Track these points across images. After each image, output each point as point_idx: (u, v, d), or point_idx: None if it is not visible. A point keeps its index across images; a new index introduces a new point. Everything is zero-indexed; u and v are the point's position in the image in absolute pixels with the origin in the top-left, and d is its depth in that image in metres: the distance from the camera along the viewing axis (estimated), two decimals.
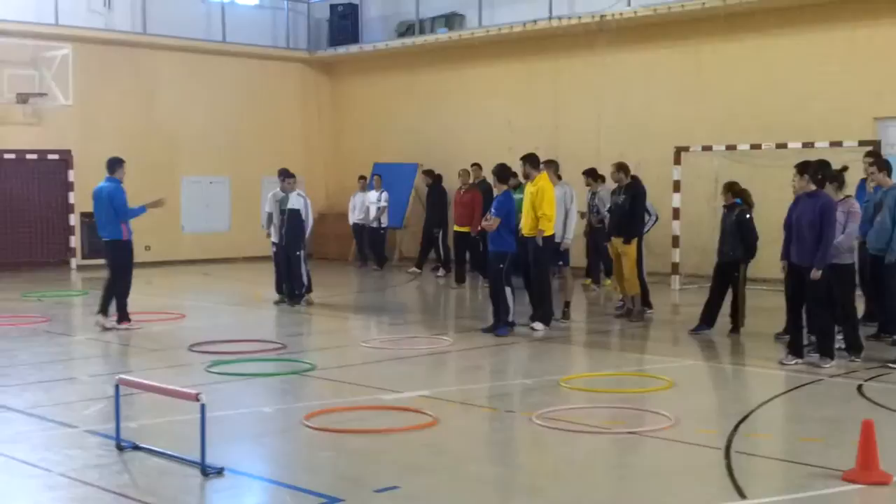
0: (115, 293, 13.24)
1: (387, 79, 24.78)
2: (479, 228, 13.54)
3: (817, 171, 10.45)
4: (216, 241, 23.89)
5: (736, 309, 12.79)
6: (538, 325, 12.97)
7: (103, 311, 13.22)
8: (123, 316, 13.27)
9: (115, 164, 13.36)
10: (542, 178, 12.98)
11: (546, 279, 13.15)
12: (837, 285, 10.58)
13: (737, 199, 12.77)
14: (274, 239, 15.83)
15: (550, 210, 12.84)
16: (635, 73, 20.16)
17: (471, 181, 19.16)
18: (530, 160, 13.08)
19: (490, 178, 17.69)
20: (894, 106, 17.06)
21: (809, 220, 10.25)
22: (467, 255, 18.85)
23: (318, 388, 9.81)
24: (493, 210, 12.75)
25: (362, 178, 22.37)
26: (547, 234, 12.85)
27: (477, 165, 19.83)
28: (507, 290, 12.69)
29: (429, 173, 21.18)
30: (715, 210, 13.35)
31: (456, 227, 18.84)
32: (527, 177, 13.07)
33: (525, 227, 12.97)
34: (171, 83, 23.33)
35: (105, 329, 13.04)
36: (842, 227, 10.57)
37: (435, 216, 20.64)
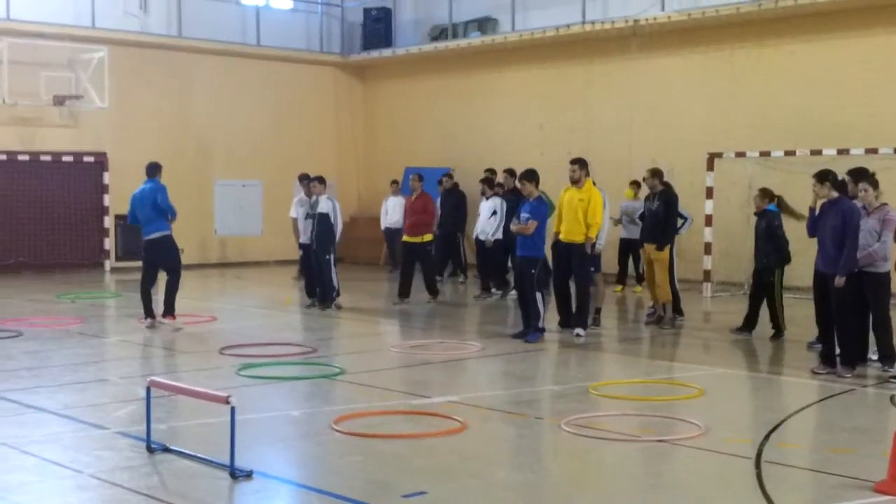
0: (173, 286, 13.67)
1: (419, 83, 24.83)
2: (514, 231, 13.41)
3: (837, 178, 10.43)
4: (248, 245, 24.03)
5: (775, 315, 12.86)
6: (580, 331, 12.93)
7: (171, 311, 13.61)
8: (170, 310, 13.67)
9: (156, 169, 13.73)
10: (591, 185, 12.91)
11: (588, 285, 13.10)
12: (872, 293, 10.48)
13: (769, 206, 12.82)
14: (302, 240, 15.93)
15: (602, 219, 12.87)
16: (668, 78, 20.07)
17: (421, 188, 17.15)
18: (584, 165, 12.99)
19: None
20: None
21: (832, 227, 10.22)
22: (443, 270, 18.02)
23: (347, 393, 9.83)
24: (526, 214, 12.68)
25: (394, 182, 22.32)
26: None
27: (510, 171, 19.47)
28: (538, 295, 12.65)
29: (449, 177, 20.29)
30: (748, 217, 13.27)
31: (406, 238, 16.83)
32: (577, 182, 12.97)
33: (570, 232, 12.82)
34: (205, 86, 23.50)
35: (176, 329, 13.40)
36: (877, 235, 10.46)
37: (454, 221, 19.85)
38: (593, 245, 12.87)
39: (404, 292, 16.50)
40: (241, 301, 17.99)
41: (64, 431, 8.07)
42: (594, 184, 13.89)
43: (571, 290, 13.19)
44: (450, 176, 20.52)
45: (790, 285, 15.82)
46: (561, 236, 12.92)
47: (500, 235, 16.89)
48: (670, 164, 17.60)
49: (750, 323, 13.09)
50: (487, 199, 17.29)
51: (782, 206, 12.99)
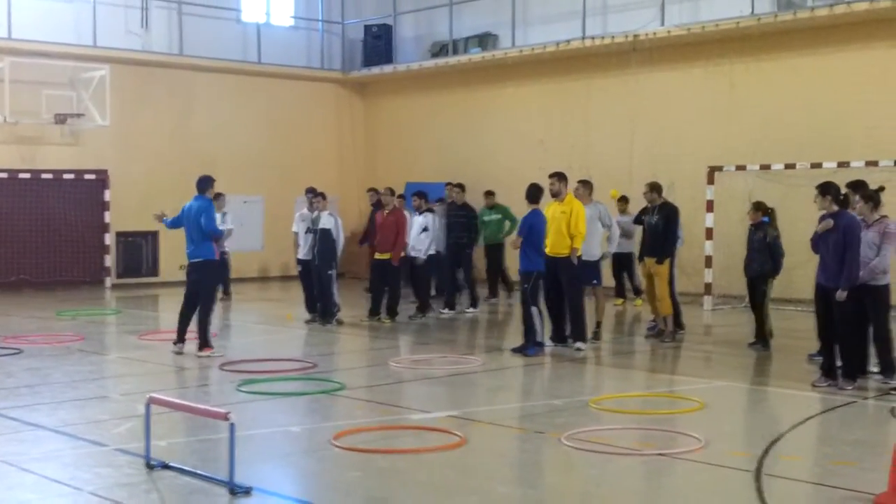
0: (203, 317, 12.64)
1: (420, 99, 24.88)
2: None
3: (839, 192, 10.43)
4: (250, 260, 24.02)
5: (762, 323, 12.98)
6: (581, 345, 12.90)
7: (207, 343, 12.64)
8: (206, 343, 12.65)
9: (207, 183, 12.98)
10: (572, 197, 12.95)
11: (580, 298, 13.08)
12: (871, 306, 10.48)
13: (764, 218, 12.93)
14: (300, 256, 15.94)
15: (585, 229, 12.83)
16: (668, 92, 20.11)
17: (395, 201, 16.65)
18: (563, 178, 13.02)
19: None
20: None
21: (834, 240, 10.21)
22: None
23: (347, 408, 9.81)
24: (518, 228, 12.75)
25: (399, 197, 22.21)
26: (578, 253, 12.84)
27: (460, 186, 18.41)
28: (534, 309, 12.61)
29: (374, 191, 18.81)
30: (748, 230, 13.29)
31: (377, 255, 16.18)
32: (557, 194, 12.99)
33: (556, 246, 12.80)
34: (206, 103, 23.56)
35: (210, 356, 12.46)
36: (876, 248, 10.47)
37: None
38: (579, 257, 12.84)
39: (375, 310, 16.17)
40: (241, 317, 17.98)
41: (63, 449, 8.06)
42: (592, 197, 13.94)
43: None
44: (375, 191, 19.30)
45: (792, 298, 15.87)
46: (547, 250, 12.82)
47: (441, 249, 17.22)
48: (671, 178, 17.61)
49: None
50: (420, 214, 16.94)
51: (772, 219, 13.03)
